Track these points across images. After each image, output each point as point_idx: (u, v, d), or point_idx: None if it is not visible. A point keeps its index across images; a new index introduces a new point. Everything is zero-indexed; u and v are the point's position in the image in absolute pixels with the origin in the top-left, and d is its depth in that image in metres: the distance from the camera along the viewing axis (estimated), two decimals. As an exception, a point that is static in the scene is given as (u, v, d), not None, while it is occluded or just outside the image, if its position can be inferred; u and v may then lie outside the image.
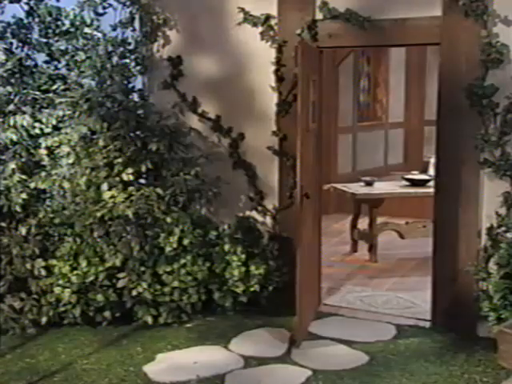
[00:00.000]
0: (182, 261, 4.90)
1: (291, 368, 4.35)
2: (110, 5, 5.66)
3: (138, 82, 5.78)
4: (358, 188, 7.05)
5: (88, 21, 5.60)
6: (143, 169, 4.99)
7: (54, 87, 5.43)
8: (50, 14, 5.58)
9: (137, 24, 5.76)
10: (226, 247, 5.04)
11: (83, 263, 4.80)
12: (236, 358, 4.46)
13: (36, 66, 5.61)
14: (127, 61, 5.68)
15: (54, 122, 5.16)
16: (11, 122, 5.04)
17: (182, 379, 4.14)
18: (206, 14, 5.56)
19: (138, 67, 5.72)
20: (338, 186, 7.35)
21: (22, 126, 5.06)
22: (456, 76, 4.69)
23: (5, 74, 5.33)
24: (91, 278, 4.78)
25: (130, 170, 4.93)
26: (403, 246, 7.18)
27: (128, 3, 5.69)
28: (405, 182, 7.22)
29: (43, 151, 5.10)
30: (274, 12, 5.24)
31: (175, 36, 5.69)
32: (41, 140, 5.12)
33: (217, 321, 5.11)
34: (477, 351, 4.53)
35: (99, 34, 5.61)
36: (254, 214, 5.47)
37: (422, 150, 10.28)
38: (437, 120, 4.89)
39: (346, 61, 9.02)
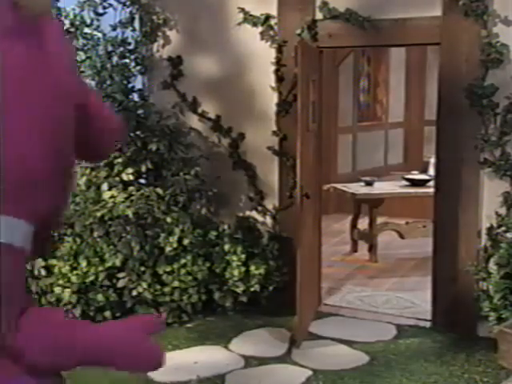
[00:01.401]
0: (182, 261, 4.90)
1: (291, 368, 4.35)
2: (110, 5, 5.66)
3: (138, 82, 5.78)
4: (357, 188, 7.05)
5: (88, 21, 5.60)
6: (143, 169, 5.00)
7: (54, 87, 5.42)
8: (50, 14, 5.58)
9: (137, 24, 5.76)
10: (226, 247, 5.04)
11: (83, 263, 4.80)
12: (236, 358, 4.46)
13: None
14: (127, 61, 5.67)
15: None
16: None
17: (182, 379, 4.14)
18: (205, 13, 5.56)
19: (138, 67, 5.72)
20: (338, 185, 7.35)
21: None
22: (456, 76, 4.69)
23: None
24: (91, 278, 4.78)
25: (129, 170, 4.94)
26: (403, 246, 7.18)
27: (128, 3, 5.69)
28: (405, 182, 7.22)
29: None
30: (273, 12, 5.24)
31: (175, 36, 5.69)
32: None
33: (217, 321, 5.11)
34: (477, 351, 4.52)
35: (99, 34, 5.60)
36: (254, 213, 5.47)
37: (422, 150, 10.28)
38: (437, 120, 4.89)
39: (346, 61, 9.02)
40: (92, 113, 1.72)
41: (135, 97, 5.63)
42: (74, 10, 5.62)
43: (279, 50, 5.22)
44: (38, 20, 1.44)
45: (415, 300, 5.53)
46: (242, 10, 5.31)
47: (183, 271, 4.89)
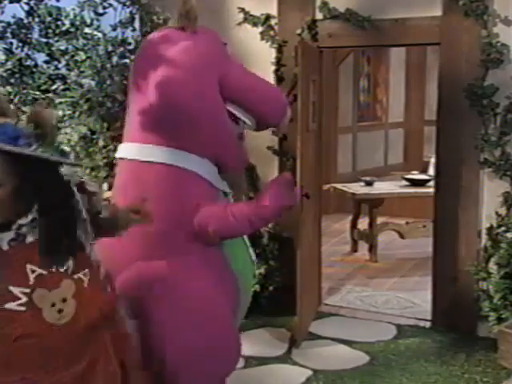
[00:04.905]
0: (182, 261, 4.89)
1: (291, 368, 4.35)
2: (110, 5, 5.65)
3: (138, 82, 5.77)
4: (357, 188, 7.05)
5: (88, 21, 5.60)
6: (143, 169, 4.99)
7: (54, 87, 5.42)
8: (50, 14, 5.58)
9: (137, 24, 5.75)
10: (226, 247, 5.03)
11: (83, 263, 4.79)
12: (236, 358, 4.46)
13: (36, 65, 5.61)
14: (127, 61, 5.67)
15: (54, 122, 5.16)
16: (11, 122, 5.05)
17: (182, 379, 4.14)
18: (205, 13, 5.54)
19: (138, 67, 5.71)
20: (338, 185, 7.35)
21: (22, 126, 5.06)
22: (456, 76, 4.69)
23: (5, 74, 5.32)
24: (91, 278, 4.77)
25: (130, 170, 4.93)
26: (403, 246, 7.19)
27: (128, 3, 5.68)
28: (405, 182, 7.22)
29: (43, 151, 5.11)
30: (274, 12, 5.24)
31: (175, 36, 5.68)
32: (41, 140, 5.12)
33: (217, 321, 5.10)
34: (477, 351, 4.53)
35: (99, 34, 5.60)
36: (254, 213, 5.45)
37: (422, 150, 10.28)
38: (437, 120, 4.89)
39: (346, 61, 9.02)
40: (234, 81, 3.08)
41: (135, 97, 5.62)
42: (74, 10, 5.62)
43: (279, 50, 5.21)
44: (195, 30, 3.19)
45: (415, 300, 5.53)
46: (242, 9, 5.31)
47: (183, 271, 4.88)
